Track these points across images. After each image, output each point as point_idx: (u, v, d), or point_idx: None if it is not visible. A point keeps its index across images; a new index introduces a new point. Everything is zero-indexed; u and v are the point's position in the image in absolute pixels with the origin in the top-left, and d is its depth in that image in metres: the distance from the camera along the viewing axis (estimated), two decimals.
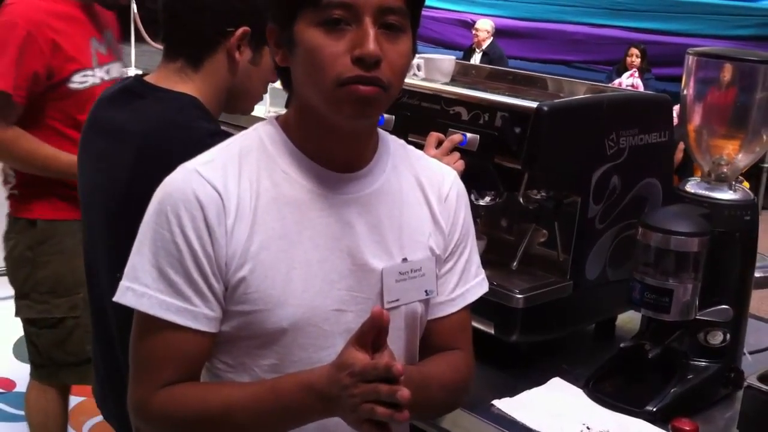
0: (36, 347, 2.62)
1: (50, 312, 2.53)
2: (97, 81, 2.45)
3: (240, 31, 1.58)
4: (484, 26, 9.77)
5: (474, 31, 9.85)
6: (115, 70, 2.55)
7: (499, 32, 10.04)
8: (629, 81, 8.81)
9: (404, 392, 1.07)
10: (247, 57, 1.62)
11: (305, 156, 1.24)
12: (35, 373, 2.69)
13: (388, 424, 1.09)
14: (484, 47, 9.64)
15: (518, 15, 10.99)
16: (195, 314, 1.19)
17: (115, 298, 1.21)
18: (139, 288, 1.19)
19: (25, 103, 2.35)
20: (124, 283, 1.21)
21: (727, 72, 1.75)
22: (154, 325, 1.19)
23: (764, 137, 1.76)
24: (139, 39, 10.00)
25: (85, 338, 2.53)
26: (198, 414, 1.19)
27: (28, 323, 2.62)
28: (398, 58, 1.16)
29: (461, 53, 9.66)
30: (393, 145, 1.34)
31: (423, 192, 1.33)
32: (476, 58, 9.56)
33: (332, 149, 1.24)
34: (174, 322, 1.18)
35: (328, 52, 1.14)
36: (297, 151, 1.24)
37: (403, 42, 1.17)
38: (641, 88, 8.68)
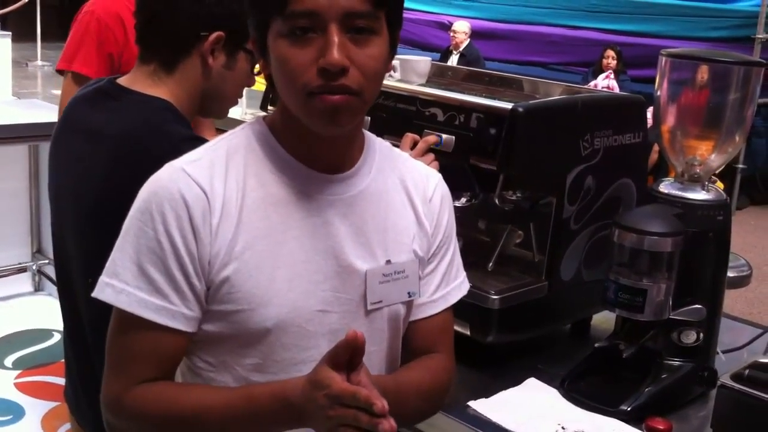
0: None
1: None
2: None
3: (214, 35, 1.58)
4: (462, 28, 9.82)
5: (452, 33, 9.87)
6: None
7: (475, 34, 10.07)
8: (605, 82, 8.87)
9: (385, 426, 1.05)
10: (221, 62, 1.61)
11: (292, 157, 1.24)
12: None
13: None
14: (461, 49, 9.67)
15: (495, 17, 11.02)
16: (173, 313, 1.18)
17: (94, 294, 1.20)
18: (119, 284, 1.18)
19: None
20: (103, 279, 1.20)
21: (701, 73, 1.76)
22: (131, 322, 1.18)
23: (737, 138, 1.78)
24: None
25: None
26: (170, 415, 1.19)
27: None
28: (369, 61, 1.15)
29: (438, 55, 9.69)
30: (379, 147, 1.34)
31: (408, 194, 1.33)
32: (453, 60, 9.58)
33: (317, 152, 1.24)
34: (152, 320, 1.18)
35: (294, 63, 1.14)
36: (284, 152, 1.24)
37: (374, 45, 1.16)
38: (617, 90, 8.73)
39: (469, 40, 9.80)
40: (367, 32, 1.15)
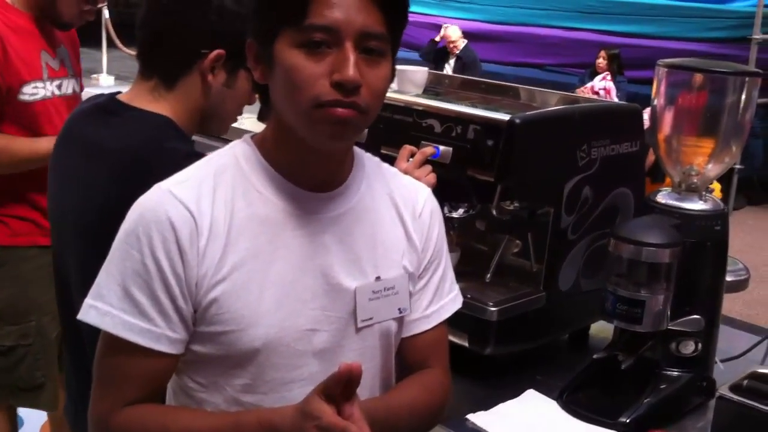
0: None
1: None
2: (48, 94, 2.42)
3: (214, 53, 1.57)
4: (456, 34, 9.72)
5: (450, 45, 9.74)
6: (68, 86, 2.51)
7: (471, 36, 10.05)
8: (602, 84, 8.84)
9: None
10: (221, 80, 1.60)
11: (280, 175, 1.24)
12: None
13: None
14: (457, 52, 9.64)
15: (491, 18, 11.02)
16: (158, 336, 1.18)
17: (79, 316, 1.20)
18: (103, 307, 1.18)
19: None
20: (88, 301, 1.20)
21: (697, 83, 1.77)
22: (116, 344, 1.19)
23: (733, 148, 1.78)
24: (111, 44, 9.91)
25: (35, 365, 2.50)
26: None
27: None
28: (377, 82, 1.16)
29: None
30: (368, 164, 1.34)
31: (397, 210, 1.33)
32: (450, 63, 9.58)
33: (308, 168, 1.24)
34: (136, 342, 1.18)
35: (307, 74, 1.13)
36: (272, 170, 1.24)
37: (383, 67, 1.17)
38: (613, 91, 8.73)
39: (465, 42, 9.77)
40: (377, 53, 1.16)
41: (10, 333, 2.47)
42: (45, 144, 2.28)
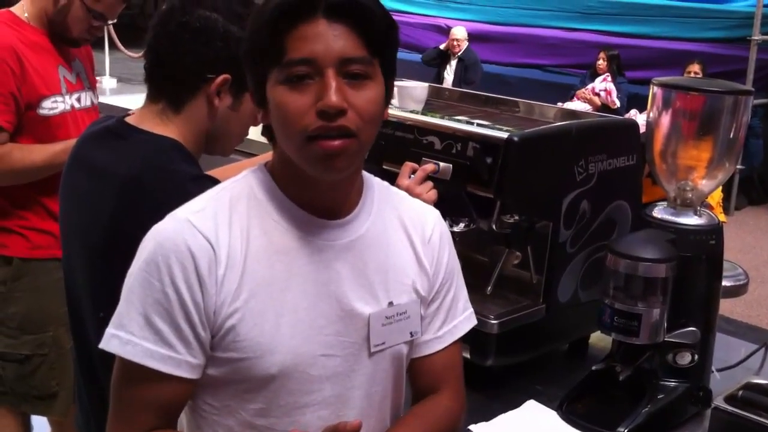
0: (0, 377, 2.59)
1: (17, 348, 2.52)
2: (68, 108, 2.47)
3: (220, 78, 1.60)
4: (462, 35, 9.75)
5: (455, 42, 9.76)
6: (86, 99, 2.56)
7: (473, 37, 10.07)
8: (602, 86, 8.87)
9: None
10: (227, 103, 1.64)
11: (293, 203, 1.26)
12: None
13: None
14: (459, 53, 9.67)
15: (492, 19, 11.03)
16: (179, 362, 1.21)
17: (101, 345, 1.23)
18: (125, 336, 1.20)
19: (11, 129, 2.35)
20: (110, 330, 1.22)
21: (692, 101, 1.80)
22: (137, 371, 1.21)
23: (727, 165, 1.81)
24: (113, 46, 9.96)
25: (50, 375, 2.55)
26: None
27: None
28: (365, 104, 1.18)
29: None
30: (377, 189, 1.36)
31: (407, 234, 1.36)
32: (452, 65, 9.61)
33: (317, 197, 1.26)
34: (157, 369, 1.20)
35: (294, 107, 1.16)
36: (285, 199, 1.26)
37: (369, 89, 1.19)
38: (614, 92, 8.76)
39: (467, 43, 9.80)
40: (362, 77, 1.18)
41: (26, 342, 2.52)
42: (60, 147, 2.34)
